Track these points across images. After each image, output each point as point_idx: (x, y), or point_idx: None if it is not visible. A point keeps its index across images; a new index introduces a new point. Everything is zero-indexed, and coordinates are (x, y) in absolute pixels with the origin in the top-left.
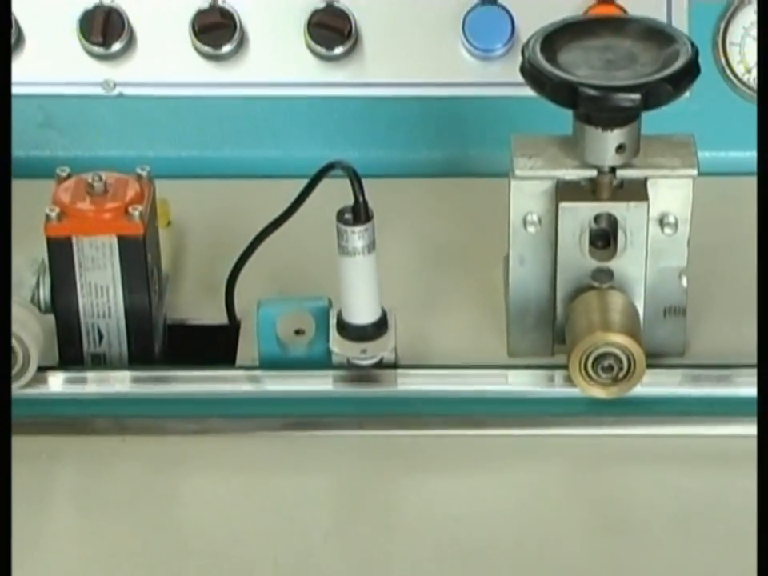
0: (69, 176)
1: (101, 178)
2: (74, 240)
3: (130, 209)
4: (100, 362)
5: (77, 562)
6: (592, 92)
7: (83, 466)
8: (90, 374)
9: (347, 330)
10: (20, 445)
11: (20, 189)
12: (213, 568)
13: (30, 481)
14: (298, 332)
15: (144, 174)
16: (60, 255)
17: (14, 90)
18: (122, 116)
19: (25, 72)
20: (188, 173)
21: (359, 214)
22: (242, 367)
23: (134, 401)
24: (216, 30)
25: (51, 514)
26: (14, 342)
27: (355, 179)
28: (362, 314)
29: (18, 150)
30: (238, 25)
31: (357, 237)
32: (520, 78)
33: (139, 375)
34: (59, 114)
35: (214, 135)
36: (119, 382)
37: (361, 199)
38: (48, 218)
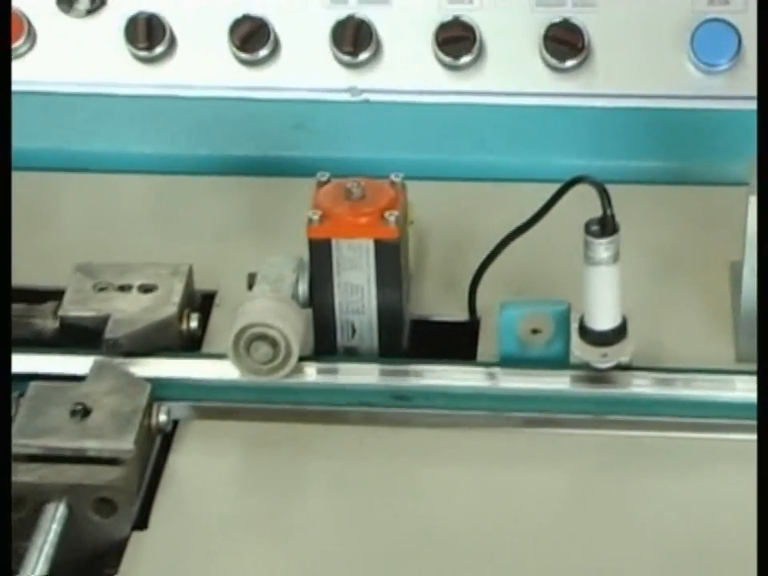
0: (328, 180)
1: (359, 184)
2: (333, 242)
3: (386, 214)
4: (352, 355)
5: (327, 545)
6: None
7: (335, 453)
8: (343, 366)
9: (589, 335)
10: (279, 431)
11: (276, 185)
12: (451, 557)
13: (287, 466)
14: (534, 331)
15: (397, 180)
16: (320, 255)
17: (269, 95)
18: (367, 120)
19: (279, 79)
20: (427, 174)
21: (606, 226)
22: (482, 363)
23: (382, 392)
24: (456, 42)
25: (305, 498)
26: (275, 334)
27: (603, 194)
28: (604, 320)
29: (272, 150)
30: (477, 38)
31: (603, 248)
32: (743, 92)
33: (388, 368)
34: (310, 118)
35: (452, 140)
36: (369, 374)
37: (609, 212)
38: (310, 221)
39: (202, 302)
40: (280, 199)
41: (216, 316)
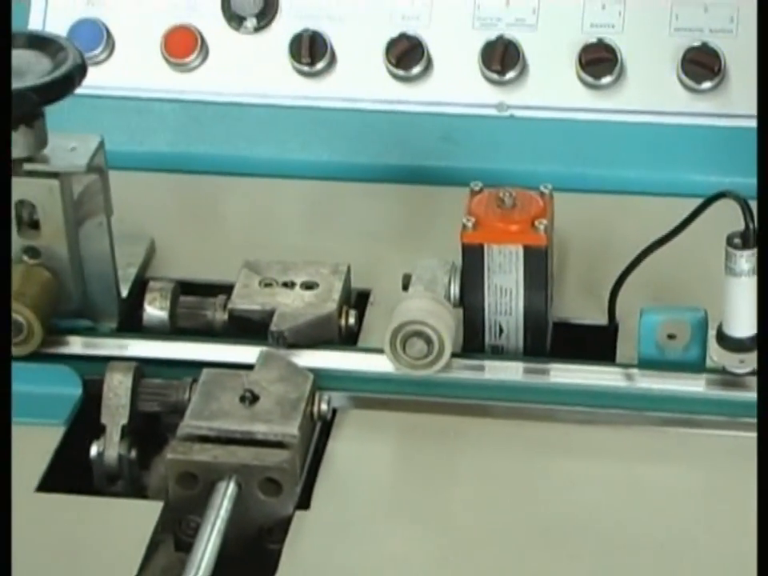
0: (481, 190)
1: (510, 194)
2: (485, 247)
3: (536, 222)
4: (499, 353)
5: (473, 530)
6: None
7: (481, 444)
8: (490, 363)
9: (727, 341)
10: (430, 421)
11: (425, 193)
12: (587, 547)
13: (437, 454)
14: (670, 336)
15: (546, 191)
16: (472, 259)
17: (421, 108)
18: (512, 134)
19: (431, 94)
20: (567, 186)
21: (748, 239)
22: (622, 365)
23: (527, 389)
24: (598, 63)
25: (454, 485)
26: (430, 332)
27: (746, 208)
28: (743, 328)
29: (422, 160)
30: (618, 60)
31: (744, 260)
32: None
33: (532, 366)
34: (458, 131)
35: (592, 154)
36: (514, 372)
37: (751, 226)
38: (464, 227)
39: (357, 299)
40: (428, 206)
41: (371, 313)
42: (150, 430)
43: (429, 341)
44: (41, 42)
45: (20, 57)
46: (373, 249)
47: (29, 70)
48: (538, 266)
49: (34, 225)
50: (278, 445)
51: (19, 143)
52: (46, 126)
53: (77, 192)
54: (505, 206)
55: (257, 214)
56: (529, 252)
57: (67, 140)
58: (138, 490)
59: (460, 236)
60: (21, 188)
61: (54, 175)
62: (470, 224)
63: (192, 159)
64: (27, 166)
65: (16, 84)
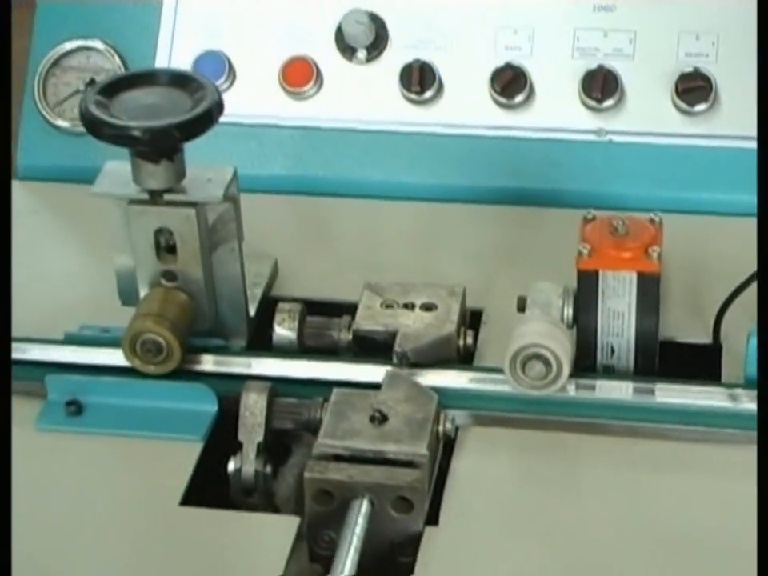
0: (593, 218)
1: (624, 222)
2: (600, 273)
3: (649, 249)
4: (609, 372)
5: (594, 544)
6: None
7: (597, 460)
8: (601, 382)
9: None
10: (547, 439)
11: (527, 214)
12: (701, 562)
13: (556, 470)
14: None
15: (656, 218)
16: (587, 284)
17: (524, 134)
18: (611, 158)
19: (533, 120)
20: (664, 207)
21: None
22: (728, 385)
23: (636, 408)
24: (694, 92)
25: (574, 500)
26: (549, 354)
27: None
28: None
29: (525, 183)
30: (713, 88)
31: None
32: None
33: (641, 386)
34: (559, 155)
35: (688, 177)
36: (624, 391)
37: None
38: (580, 253)
39: (470, 318)
40: (530, 226)
41: (484, 332)
42: (277, 440)
43: (547, 363)
44: (181, 80)
45: (161, 94)
46: (480, 268)
47: (170, 107)
48: (651, 291)
49: (171, 250)
50: (408, 464)
51: (161, 176)
52: (185, 159)
53: (211, 219)
54: (618, 234)
55: (370, 234)
56: (642, 278)
57: (203, 171)
58: (270, 502)
59: (575, 262)
60: (160, 217)
61: (191, 204)
62: (585, 251)
63: (308, 182)
64: (167, 197)
65: (159, 121)
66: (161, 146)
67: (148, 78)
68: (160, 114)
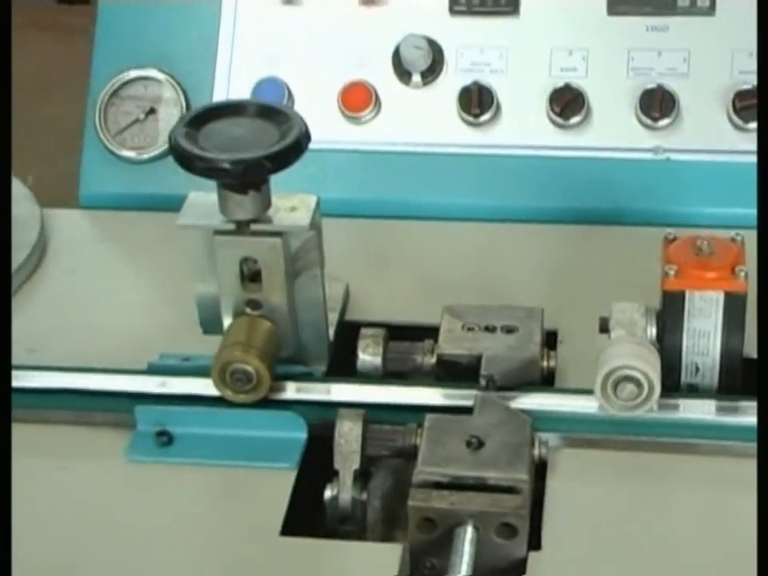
0: (674, 238)
1: (708, 243)
2: (686, 293)
3: (736, 269)
4: (693, 391)
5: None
6: None
7: (691, 481)
8: (684, 401)
9: None
10: (639, 459)
11: (586, 233)
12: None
13: (651, 492)
14: None
15: (738, 238)
16: (673, 305)
17: (581, 153)
18: (668, 175)
19: (591, 140)
20: (721, 223)
21: None
22: None
23: (721, 426)
24: (752, 108)
25: (670, 521)
26: (640, 375)
27: None
28: None
29: (584, 202)
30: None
31: None
32: None
33: (724, 405)
34: (617, 173)
35: (743, 193)
36: (707, 410)
37: None
38: (666, 274)
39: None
40: (590, 244)
41: (562, 352)
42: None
43: (639, 384)
44: (266, 112)
45: (246, 126)
46: (550, 287)
47: (256, 138)
48: (738, 311)
49: (254, 278)
50: (509, 489)
51: (248, 207)
52: (270, 189)
53: (294, 247)
54: (703, 254)
55: (435, 255)
56: (729, 298)
57: (287, 200)
58: (363, 528)
59: (661, 283)
60: (247, 247)
61: (277, 234)
62: (671, 272)
63: (368, 205)
64: (254, 227)
65: (250, 153)
66: (251, 178)
67: (234, 110)
68: (247, 146)
